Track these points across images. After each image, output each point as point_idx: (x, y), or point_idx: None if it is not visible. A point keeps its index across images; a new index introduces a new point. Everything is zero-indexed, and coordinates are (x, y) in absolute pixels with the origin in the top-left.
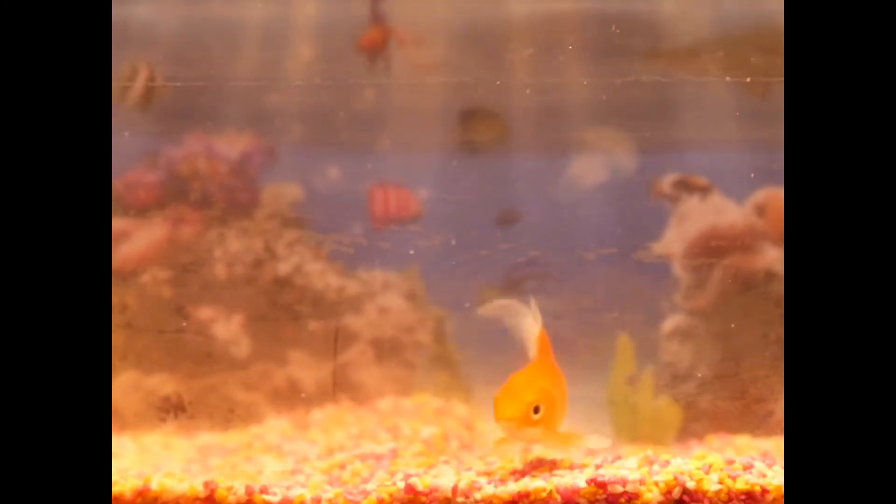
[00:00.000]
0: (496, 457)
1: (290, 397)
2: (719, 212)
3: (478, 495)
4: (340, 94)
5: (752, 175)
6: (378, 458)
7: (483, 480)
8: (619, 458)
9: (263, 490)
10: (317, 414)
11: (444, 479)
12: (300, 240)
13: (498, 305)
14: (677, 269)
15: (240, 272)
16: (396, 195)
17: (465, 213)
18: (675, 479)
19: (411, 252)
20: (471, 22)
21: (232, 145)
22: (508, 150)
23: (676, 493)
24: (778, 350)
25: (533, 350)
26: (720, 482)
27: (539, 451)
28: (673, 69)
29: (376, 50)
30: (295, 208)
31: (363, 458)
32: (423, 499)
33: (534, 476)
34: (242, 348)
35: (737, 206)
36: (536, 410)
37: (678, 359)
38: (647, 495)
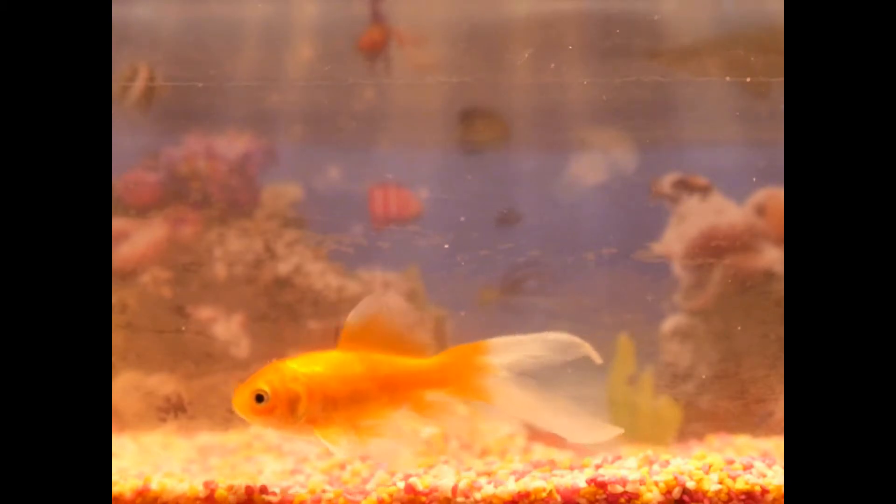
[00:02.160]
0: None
1: None
2: (719, 212)
3: (478, 495)
4: (340, 94)
5: (753, 177)
6: None
7: (483, 480)
8: (619, 458)
9: (263, 490)
10: None
11: (444, 479)
12: (300, 240)
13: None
14: (677, 269)
15: (240, 272)
16: (396, 195)
17: (465, 213)
18: (675, 479)
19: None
20: (471, 22)
21: (232, 145)
22: (508, 149)
23: (676, 493)
24: (778, 350)
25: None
26: (720, 482)
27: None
28: (673, 69)
29: (376, 50)
30: (295, 208)
31: (363, 458)
32: (423, 499)
33: (534, 476)
34: (242, 348)
35: (737, 206)
36: (260, 399)
37: (678, 359)
38: (647, 495)
